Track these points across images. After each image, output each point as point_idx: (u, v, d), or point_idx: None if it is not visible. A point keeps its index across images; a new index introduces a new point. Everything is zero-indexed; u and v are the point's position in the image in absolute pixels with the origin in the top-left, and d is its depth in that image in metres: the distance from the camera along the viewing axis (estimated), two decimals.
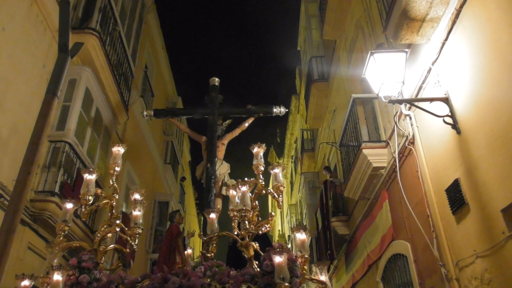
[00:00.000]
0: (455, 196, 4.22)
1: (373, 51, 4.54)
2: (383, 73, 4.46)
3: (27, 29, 5.52)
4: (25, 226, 5.30)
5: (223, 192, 5.39)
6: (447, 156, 4.48)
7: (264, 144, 3.92)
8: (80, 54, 6.65)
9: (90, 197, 3.68)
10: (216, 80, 6.09)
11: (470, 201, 4.02)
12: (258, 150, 3.86)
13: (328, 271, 10.29)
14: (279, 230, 25.18)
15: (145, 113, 6.14)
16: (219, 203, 5.33)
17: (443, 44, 4.42)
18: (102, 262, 3.53)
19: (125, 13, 8.96)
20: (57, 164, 5.86)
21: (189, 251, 4.92)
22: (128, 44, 8.80)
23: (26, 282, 3.29)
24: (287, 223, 21.52)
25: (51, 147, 5.92)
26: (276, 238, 22.99)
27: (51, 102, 3.28)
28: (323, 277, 3.19)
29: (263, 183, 3.75)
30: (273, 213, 3.77)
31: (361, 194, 7.17)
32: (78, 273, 3.31)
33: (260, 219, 3.69)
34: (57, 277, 3.06)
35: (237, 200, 3.55)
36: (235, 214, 3.49)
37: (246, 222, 3.40)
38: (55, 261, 3.33)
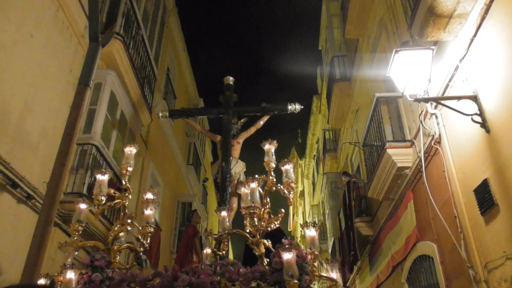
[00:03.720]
0: (484, 197, 4.11)
1: (398, 49, 4.47)
2: (409, 71, 4.38)
3: (54, 35, 5.68)
4: (56, 226, 5.46)
5: (239, 191, 5.40)
6: (475, 155, 4.36)
7: (276, 141, 3.88)
8: (104, 58, 6.81)
9: (103, 197, 3.71)
10: (230, 79, 6.11)
11: (500, 201, 3.90)
12: (270, 147, 3.81)
13: (351, 271, 10.26)
14: (301, 231, 25.06)
15: (160, 114, 6.21)
16: (234, 202, 5.30)
17: (472, 40, 4.30)
18: (116, 261, 3.56)
19: (147, 17, 9.12)
20: (84, 166, 6.00)
21: (208, 250, 4.94)
22: (150, 48, 8.94)
23: (41, 281, 3.32)
24: None
25: (78, 150, 6.08)
26: (298, 239, 22.87)
27: (83, 93, 3.33)
28: (334, 274, 3.14)
29: (274, 180, 3.68)
30: (282, 210, 3.73)
31: (385, 194, 7.06)
32: (91, 272, 3.35)
33: (272, 216, 3.65)
34: (70, 275, 3.09)
35: (249, 198, 3.54)
36: (246, 212, 3.44)
37: (255, 219, 3.36)
38: (69, 260, 3.38)
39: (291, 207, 28.17)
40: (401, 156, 6.23)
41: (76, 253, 3.57)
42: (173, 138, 11.28)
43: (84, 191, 5.78)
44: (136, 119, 8.21)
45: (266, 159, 3.78)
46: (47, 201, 3.02)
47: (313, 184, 20.53)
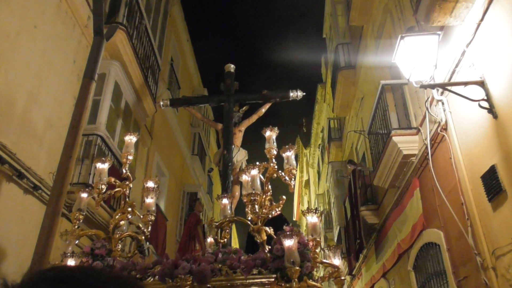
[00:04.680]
0: (492, 183, 4.07)
1: (403, 35, 4.41)
2: (414, 57, 4.32)
3: (57, 26, 5.66)
4: (62, 216, 5.50)
5: (241, 179, 5.39)
6: (482, 142, 4.31)
7: (277, 127, 3.84)
8: (108, 48, 6.78)
9: (103, 186, 3.74)
10: (231, 67, 6.05)
11: (508, 188, 3.87)
12: (271, 134, 3.80)
13: (357, 260, 10.28)
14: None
15: (161, 103, 6.20)
16: (237, 190, 5.28)
17: (479, 25, 4.23)
18: (118, 249, 3.58)
19: (150, 7, 9.05)
20: (90, 156, 6.02)
21: (211, 239, 4.96)
22: (154, 38, 8.90)
23: None
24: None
25: (83, 141, 6.10)
26: (304, 228, 22.96)
27: (88, 86, 3.35)
28: (337, 261, 3.12)
29: (276, 167, 3.67)
30: (284, 197, 3.72)
31: (391, 182, 7.04)
32: (92, 260, 3.37)
33: (274, 203, 3.64)
34: (70, 264, 3.14)
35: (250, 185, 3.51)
36: (247, 199, 3.45)
37: (256, 206, 3.34)
38: (70, 248, 3.40)
39: (296, 197, 28.15)
40: (407, 143, 6.18)
41: (77, 242, 3.59)
42: (178, 128, 11.29)
43: (90, 181, 5.81)
44: (141, 109, 8.21)
45: (267, 146, 3.76)
46: (55, 192, 3.05)
47: (318, 173, 20.52)
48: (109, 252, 3.49)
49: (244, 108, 5.93)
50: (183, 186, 11.79)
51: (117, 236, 3.66)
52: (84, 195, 3.75)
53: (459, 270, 4.98)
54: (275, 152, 3.72)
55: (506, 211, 3.93)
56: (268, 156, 3.72)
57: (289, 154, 3.62)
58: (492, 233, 4.22)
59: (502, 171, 3.95)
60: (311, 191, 24.41)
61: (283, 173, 3.59)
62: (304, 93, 5.91)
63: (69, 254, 3.21)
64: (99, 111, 6.44)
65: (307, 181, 26.08)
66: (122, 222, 3.81)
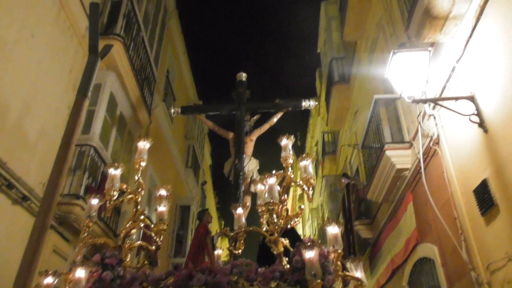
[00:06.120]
0: (484, 197, 4.10)
1: (395, 51, 4.47)
2: (406, 72, 4.39)
3: (55, 36, 5.68)
4: (51, 229, 5.42)
5: (252, 189, 5.24)
6: (474, 155, 4.36)
7: (293, 135, 3.76)
8: (105, 59, 6.81)
9: (115, 192, 3.60)
10: (243, 76, 6.02)
11: (500, 201, 3.89)
12: (287, 142, 3.71)
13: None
14: (300, 235, 24.95)
15: (172, 110, 6.10)
16: (248, 201, 5.16)
17: (467, 41, 4.32)
18: (127, 260, 3.43)
19: (148, 19, 9.14)
20: (82, 167, 5.98)
21: (219, 251, 4.83)
22: (151, 49, 8.96)
23: (49, 280, 3.22)
24: (309, 227, 21.34)
25: (76, 151, 6.06)
26: None
27: (82, 103, 3.34)
28: (359, 274, 3.01)
29: (292, 175, 3.57)
30: (302, 206, 3.62)
31: (385, 196, 7.04)
32: (101, 270, 3.23)
33: (289, 213, 3.56)
34: (80, 273, 2.97)
35: (266, 195, 3.38)
36: (263, 209, 3.31)
37: (274, 215, 3.24)
38: (79, 257, 3.28)
39: (289, 210, 28.00)
40: (400, 157, 6.22)
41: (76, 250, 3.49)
42: (172, 140, 11.26)
43: (81, 193, 5.75)
44: (135, 120, 8.21)
45: (283, 154, 3.65)
46: (44, 206, 2.98)
47: (312, 187, 20.48)
48: (119, 261, 3.33)
49: (255, 117, 5.85)
50: (176, 199, 11.70)
51: (127, 245, 3.50)
52: (95, 201, 3.59)
53: (454, 285, 4.95)
54: (291, 161, 3.63)
55: (499, 225, 3.94)
56: (284, 165, 3.60)
57: (306, 163, 3.52)
58: (486, 247, 4.22)
59: (493, 184, 3.98)
60: (305, 205, 24.32)
61: (300, 182, 3.50)
62: (316, 103, 5.90)
63: (78, 263, 3.07)
64: (93, 122, 6.42)
65: (301, 195, 26.01)
66: (133, 231, 3.66)
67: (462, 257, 4.61)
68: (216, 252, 4.97)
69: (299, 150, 25.41)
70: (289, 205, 23.76)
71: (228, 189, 5.38)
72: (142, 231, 4.37)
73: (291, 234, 3.83)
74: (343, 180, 9.78)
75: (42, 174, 5.16)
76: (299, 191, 26.50)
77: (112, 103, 7.16)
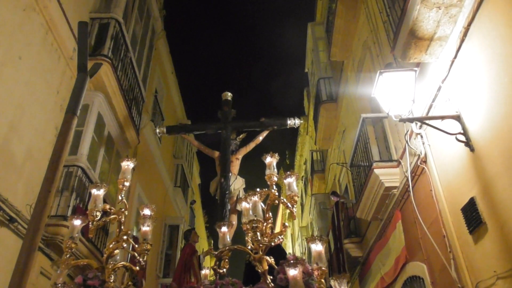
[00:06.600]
0: (472, 215, 4.14)
1: (382, 71, 4.57)
2: (393, 92, 4.47)
3: (42, 57, 5.67)
4: (38, 250, 5.29)
5: (238, 207, 5.24)
6: (461, 174, 4.42)
7: (277, 153, 3.82)
8: (92, 80, 6.79)
9: (98, 213, 3.54)
10: (228, 95, 6.09)
11: (488, 220, 3.93)
12: (271, 160, 3.75)
13: None
14: (289, 253, 24.74)
15: (158, 130, 6.14)
16: (234, 219, 5.18)
17: (452, 62, 4.43)
18: (111, 281, 3.36)
19: (136, 40, 9.18)
20: (69, 188, 5.89)
21: (206, 271, 4.77)
22: (139, 70, 8.98)
23: None
24: (298, 246, 21.20)
25: (64, 172, 5.97)
26: None
27: (71, 121, 3.33)
28: None
29: (277, 193, 3.60)
30: (286, 224, 3.62)
31: (374, 214, 7.06)
32: None
33: (274, 231, 3.56)
34: None
35: (250, 212, 3.39)
36: (248, 227, 3.32)
37: (258, 233, 3.25)
38: (61, 279, 3.22)
39: (278, 227, 27.81)
40: (388, 176, 6.27)
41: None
42: (160, 159, 11.19)
43: (69, 214, 5.65)
44: (123, 140, 8.15)
45: (267, 172, 3.69)
46: (31, 228, 2.94)
47: (302, 205, 20.45)
48: (102, 283, 3.29)
49: (241, 135, 5.92)
50: (165, 219, 11.56)
51: (111, 266, 3.44)
52: (77, 222, 3.52)
53: None
54: (275, 179, 3.67)
55: (487, 243, 3.97)
56: (268, 182, 3.63)
57: (291, 180, 3.56)
58: (475, 265, 4.24)
59: (481, 203, 4.02)
60: (294, 223, 24.22)
61: (284, 200, 3.51)
62: (302, 121, 5.97)
63: (60, 285, 3.00)
64: (81, 142, 6.36)
65: (290, 214, 25.88)
66: (116, 251, 3.61)
67: (452, 275, 4.61)
68: (203, 272, 4.93)
69: (287, 168, 25.46)
70: (278, 223, 23.68)
71: (216, 208, 5.38)
72: (129, 255, 4.28)
73: (277, 251, 3.82)
74: (332, 198, 9.79)
75: (29, 196, 5.07)
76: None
77: (100, 124, 7.11)
